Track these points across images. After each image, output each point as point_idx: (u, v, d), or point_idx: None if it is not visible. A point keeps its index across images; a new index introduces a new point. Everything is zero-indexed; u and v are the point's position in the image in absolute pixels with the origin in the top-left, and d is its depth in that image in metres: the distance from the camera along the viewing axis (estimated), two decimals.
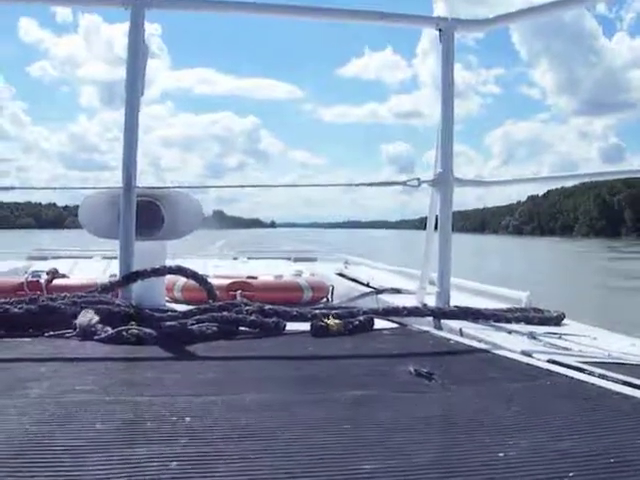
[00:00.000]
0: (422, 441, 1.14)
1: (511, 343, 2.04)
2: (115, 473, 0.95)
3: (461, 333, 2.29)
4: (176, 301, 3.35)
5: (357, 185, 2.98)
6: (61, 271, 3.66)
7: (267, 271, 4.13)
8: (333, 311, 2.43)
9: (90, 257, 5.13)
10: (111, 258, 5.03)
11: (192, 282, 3.33)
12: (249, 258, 5.48)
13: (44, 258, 5.11)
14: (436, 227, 2.72)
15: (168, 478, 0.95)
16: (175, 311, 2.37)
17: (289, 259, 5.41)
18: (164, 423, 1.21)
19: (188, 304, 3.11)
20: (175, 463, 1.00)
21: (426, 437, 1.17)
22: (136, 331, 2.07)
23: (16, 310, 2.25)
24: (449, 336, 2.25)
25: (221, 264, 4.83)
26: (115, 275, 3.63)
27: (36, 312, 2.26)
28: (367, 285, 3.66)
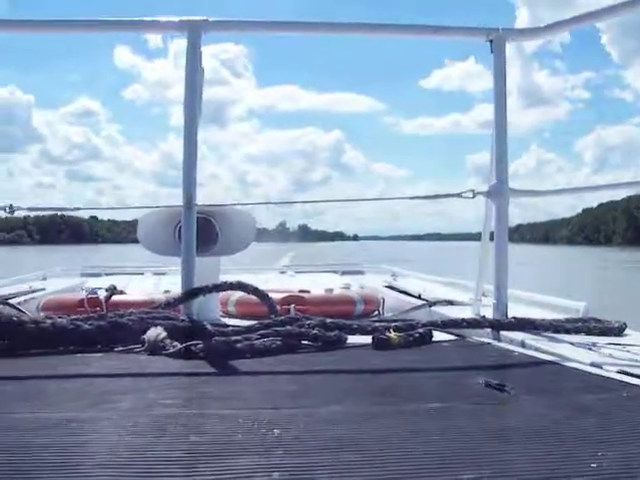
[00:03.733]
0: (513, 451, 1.16)
1: (578, 354, 2.04)
2: None
3: (523, 345, 2.29)
4: (229, 315, 3.41)
5: (412, 198, 3.00)
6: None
7: (316, 285, 4.17)
8: (392, 324, 2.45)
9: (141, 273, 5.23)
10: (161, 274, 5.14)
11: (246, 296, 3.39)
12: (297, 272, 5.53)
13: (97, 275, 5.23)
14: (492, 238, 2.73)
15: None
16: (238, 326, 2.42)
17: (336, 272, 5.45)
18: (254, 435, 1.25)
19: (241, 318, 3.16)
20: (277, 474, 1.03)
21: (515, 447, 1.19)
22: (204, 346, 2.12)
23: (86, 326, 2.32)
24: (511, 348, 2.26)
25: (269, 278, 4.89)
26: (169, 291, 3.72)
27: (105, 328, 2.32)
28: (418, 297, 3.67)
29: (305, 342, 2.29)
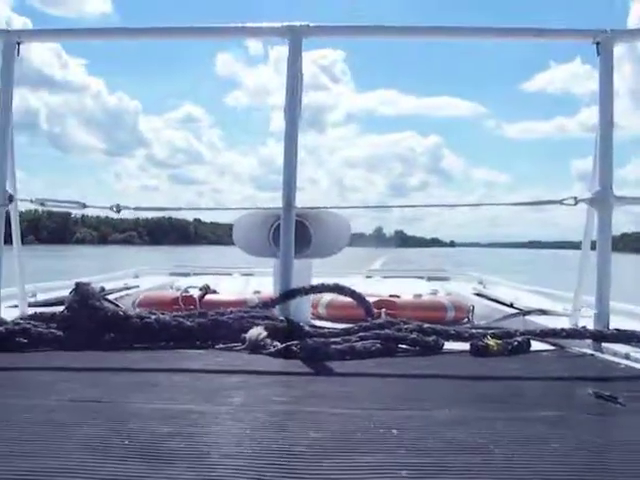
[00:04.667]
0: None
1: None
2: (355, 479, 1.01)
3: (627, 357, 2.22)
4: (320, 318, 3.44)
5: (512, 205, 2.96)
6: None
7: (402, 290, 4.15)
8: (489, 331, 2.43)
9: (230, 274, 5.34)
10: (248, 275, 5.23)
11: (336, 299, 3.42)
12: (383, 277, 5.52)
13: (186, 274, 5.37)
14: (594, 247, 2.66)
15: None
16: (335, 328, 2.44)
17: (422, 278, 5.41)
18: (374, 434, 1.26)
19: (332, 321, 3.18)
20: (405, 472, 1.04)
21: None
22: (304, 346, 2.15)
23: (188, 323, 2.39)
24: (615, 360, 2.19)
25: (355, 282, 4.89)
26: (259, 292, 3.78)
27: (206, 325, 2.39)
28: (510, 305, 3.61)
29: (402, 346, 2.30)
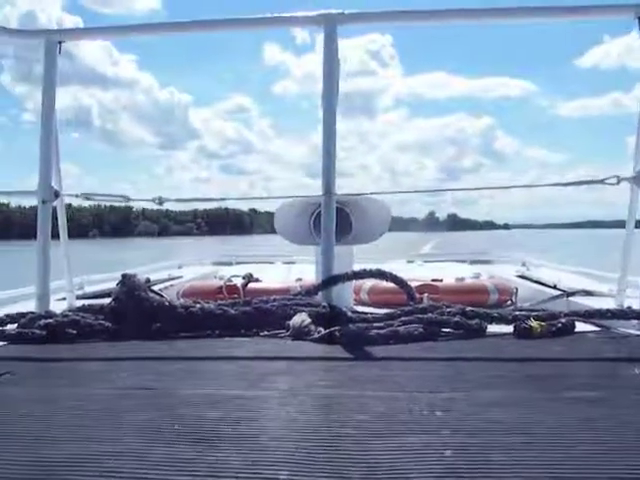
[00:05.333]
0: None
1: None
2: (402, 459, 1.03)
3: None
4: (362, 303, 3.45)
5: (554, 185, 2.92)
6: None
7: (444, 274, 4.14)
8: (532, 313, 2.41)
9: (272, 262, 5.40)
10: (290, 263, 5.28)
11: (378, 285, 3.43)
12: (425, 261, 5.51)
13: (229, 264, 5.44)
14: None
15: (446, 465, 1.01)
16: (377, 313, 2.45)
17: (464, 261, 5.39)
18: (417, 416, 1.27)
19: (374, 307, 3.20)
20: (449, 452, 1.05)
21: None
22: (348, 332, 2.17)
23: (232, 311, 2.43)
24: None
25: (397, 268, 4.90)
26: (301, 279, 3.81)
27: (251, 314, 2.43)
28: (554, 287, 3.58)
29: (445, 330, 2.30)
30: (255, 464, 1.03)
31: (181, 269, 5.30)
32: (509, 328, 2.29)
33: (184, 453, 1.08)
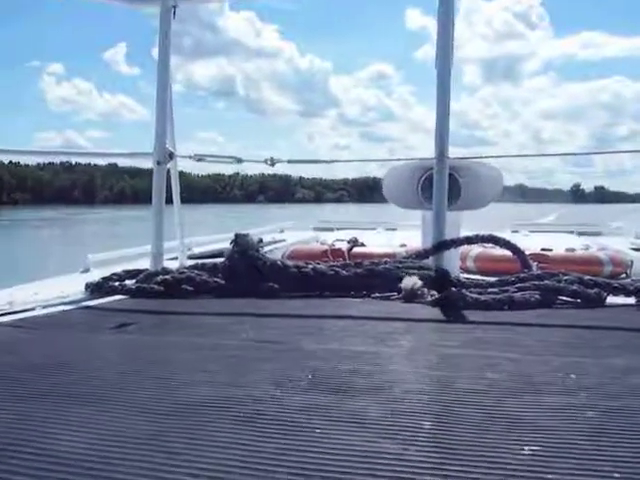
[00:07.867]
0: None
1: None
2: (543, 416, 1.02)
3: None
4: (468, 271, 3.41)
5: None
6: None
7: (551, 244, 4.02)
8: None
9: (374, 229, 5.40)
10: (392, 230, 5.27)
11: (485, 252, 3.37)
12: (531, 231, 5.38)
13: (330, 229, 5.48)
14: None
15: (593, 425, 0.98)
16: (490, 280, 2.41)
17: (572, 232, 5.22)
18: (552, 377, 1.25)
19: (480, 274, 3.14)
20: (591, 413, 1.03)
21: None
22: (462, 296, 2.15)
23: (345, 272, 2.45)
24: None
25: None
26: (405, 245, 3.80)
27: (362, 275, 2.44)
28: None
29: (562, 298, 2.24)
30: (394, 414, 1.04)
31: (283, 233, 5.39)
32: (630, 300, 2.21)
33: (322, 401, 1.11)
